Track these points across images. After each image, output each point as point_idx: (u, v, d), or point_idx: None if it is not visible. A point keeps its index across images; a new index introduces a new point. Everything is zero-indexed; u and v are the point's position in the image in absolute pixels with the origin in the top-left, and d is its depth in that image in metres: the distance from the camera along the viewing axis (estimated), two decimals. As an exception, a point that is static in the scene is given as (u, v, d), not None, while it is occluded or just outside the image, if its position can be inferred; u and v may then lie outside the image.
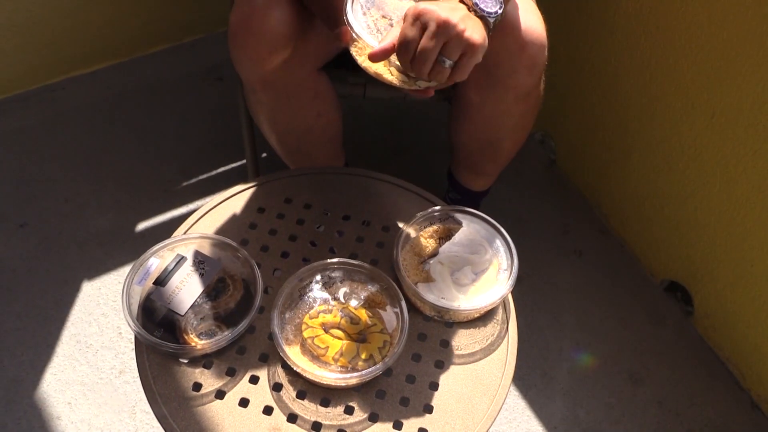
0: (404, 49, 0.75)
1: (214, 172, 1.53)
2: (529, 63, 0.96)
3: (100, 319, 1.26)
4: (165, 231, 1.41)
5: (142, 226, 1.41)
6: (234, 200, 0.95)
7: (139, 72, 1.71)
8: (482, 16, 0.77)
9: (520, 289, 1.37)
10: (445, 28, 0.72)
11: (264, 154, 1.50)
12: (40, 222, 1.39)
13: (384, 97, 1.18)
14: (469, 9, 0.77)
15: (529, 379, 1.25)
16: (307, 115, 1.07)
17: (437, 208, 0.91)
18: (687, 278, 1.36)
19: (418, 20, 0.74)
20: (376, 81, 0.86)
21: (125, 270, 1.33)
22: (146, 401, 0.74)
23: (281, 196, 0.96)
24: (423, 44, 0.73)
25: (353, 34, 0.78)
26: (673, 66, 1.19)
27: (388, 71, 0.81)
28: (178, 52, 1.77)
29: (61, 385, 1.17)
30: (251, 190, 0.96)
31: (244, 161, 1.55)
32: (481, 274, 0.85)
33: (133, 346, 1.21)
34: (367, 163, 1.20)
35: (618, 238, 1.49)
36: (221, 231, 0.90)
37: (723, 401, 1.26)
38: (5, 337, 1.22)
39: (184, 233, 0.88)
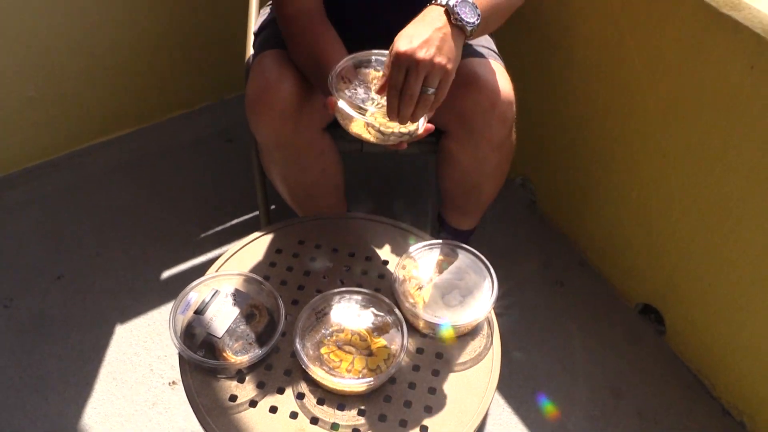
0: (393, 93, 0.89)
1: (228, 224, 1.70)
2: (500, 117, 1.14)
3: (132, 358, 1.40)
4: (187, 278, 1.54)
5: (166, 274, 1.57)
6: (255, 243, 1.11)
7: (157, 137, 1.90)
8: (461, 25, 0.91)
9: (509, 318, 1.52)
10: (424, 66, 0.86)
11: (273, 206, 1.67)
12: (74, 274, 1.55)
13: (380, 152, 1.35)
14: (448, 16, 0.90)
15: (520, 396, 1.39)
16: (314, 170, 1.25)
17: (428, 242, 1.08)
18: (658, 301, 1.51)
19: (401, 65, 0.86)
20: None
21: (153, 314, 1.48)
22: (177, 430, 0.86)
23: (295, 238, 1.12)
24: (408, 85, 0.87)
25: (337, 104, 0.94)
26: (628, 113, 1.38)
27: (366, 132, 0.96)
28: (191, 118, 1.96)
29: (101, 417, 1.31)
30: (270, 235, 1.12)
31: (255, 213, 1.72)
32: (468, 297, 1.01)
33: (163, 381, 1.36)
34: (367, 209, 1.37)
35: (595, 269, 1.64)
36: (246, 269, 1.06)
37: (697, 409, 1.40)
38: (49, 377, 1.36)
39: (216, 271, 1.04)
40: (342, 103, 0.93)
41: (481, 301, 1.00)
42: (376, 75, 1.00)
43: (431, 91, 0.89)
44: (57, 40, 1.63)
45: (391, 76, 0.89)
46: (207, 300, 0.96)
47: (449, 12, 0.91)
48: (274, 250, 1.10)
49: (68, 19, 1.62)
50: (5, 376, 1.36)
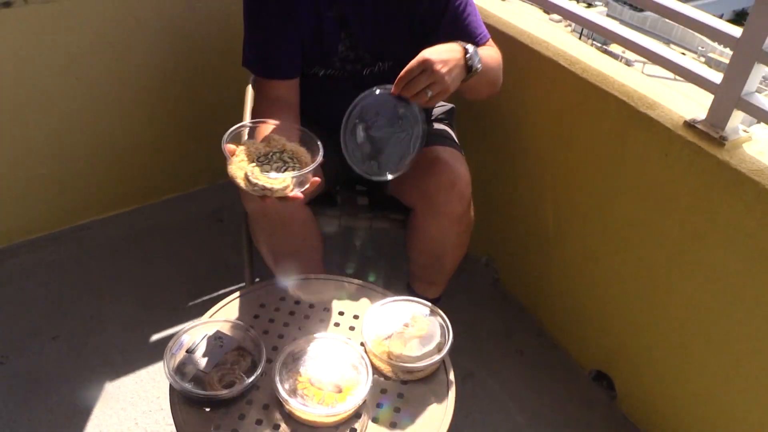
0: (405, 77, 1.13)
1: (214, 294, 1.83)
2: (458, 195, 1.34)
3: (119, 412, 1.49)
4: (174, 341, 1.68)
5: (155, 337, 1.69)
6: (242, 298, 1.26)
7: (153, 215, 2.07)
8: (470, 65, 1.18)
9: (471, 384, 1.64)
10: (436, 75, 1.12)
11: (257, 279, 1.81)
12: (69, 335, 1.66)
13: (354, 226, 1.53)
14: (463, 55, 1.17)
15: (481, 454, 1.49)
16: (296, 238, 1.41)
17: (392, 298, 1.23)
18: (608, 367, 1.65)
19: (421, 65, 1.12)
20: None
21: (141, 372, 1.59)
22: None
23: (277, 295, 1.27)
24: (418, 79, 1.13)
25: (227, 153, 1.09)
26: (573, 199, 1.58)
27: (240, 178, 1.07)
28: (185, 200, 2.14)
29: (87, 467, 1.39)
30: (255, 291, 1.27)
31: (241, 285, 1.86)
32: (426, 345, 1.15)
33: (147, 433, 1.45)
34: (342, 275, 1.52)
35: (553, 339, 1.79)
36: (234, 318, 1.20)
37: (645, 469, 1.50)
38: (39, 427, 1.44)
39: (209, 318, 1.18)
40: (228, 150, 1.09)
41: (437, 347, 1.14)
42: (280, 140, 1.14)
43: (430, 94, 1.14)
44: (69, 125, 1.84)
45: (410, 68, 1.13)
46: (197, 341, 1.09)
47: (466, 52, 1.18)
48: (258, 304, 1.25)
49: (80, 107, 1.83)
50: (-3, 428, 1.45)
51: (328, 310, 1.25)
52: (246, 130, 1.17)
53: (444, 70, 1.13)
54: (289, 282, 1.31)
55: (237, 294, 1.26)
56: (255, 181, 1.05)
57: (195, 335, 1.12)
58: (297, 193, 1.08)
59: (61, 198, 1.94)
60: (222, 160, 2.09)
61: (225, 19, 1.90)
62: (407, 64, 1.15)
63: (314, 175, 1.10)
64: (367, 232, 1.96)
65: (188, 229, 2.03)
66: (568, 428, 1.57)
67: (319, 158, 1.11)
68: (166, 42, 1.86)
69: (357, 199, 1.59)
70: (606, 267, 1.56)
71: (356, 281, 1.32)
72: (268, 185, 1.05)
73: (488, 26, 1.64)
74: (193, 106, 2.02)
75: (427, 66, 1.13)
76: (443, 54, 1.16)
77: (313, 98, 1.41)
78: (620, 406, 1.63)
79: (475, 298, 1.90)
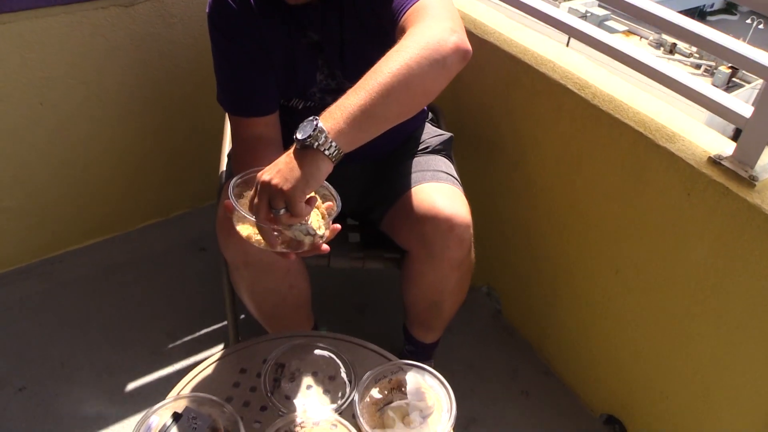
0: (253, 208, 0.93)
1: (197, 334, 1.70)
2: (457, 240, 1.21)
3: (90, 476, 1.37)
4: (153, 390, 1.55)
5: (131, 386, 1.55)
6: (220, 362, 1.13)
7: (130, 245, 1.93)
8: (303, 145, 0.91)
9: (475, 429, 1.52)
10: (265, 188, 0.91)
11: (242, 316, 1.68)
12: (37, 386, 1.53)
13: (346, 267, 1.40)
14: (295, 147, 0.92)
15: None
16: (281, 287, 1.28)
17: (391, 363, 1.10)
18: (620, 411, 1.53)
19: (257, 187, 0.92)
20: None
21: (115, 428, 1.46)
22: None
23: (259, 358, 1.14)
24: (255, 203, 0.92)
25: (234, 207, 0.96)
26: (584, 231, 1.46)
27: (255, 235, 0.97)
28: (165, 226, 2.01)
29: None
30: (234, 354, 1.14)
31: (225, 323, 1.73)
32: (427, 417, 1.03)
33: (120, 501, 1.32)
34: (334, 323, 1.39)
35: (560, 379, 1.67)
36: (210, 389, 1.06)
37: None
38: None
39: (179, 393, 1.05)
40: (238, 207, 0.96)
41: (440, 420, 1.02)
42: None
43: (281, 211, 0.91)
44: (36, 154, 1.69)
45: (252, 195, 0.95)
46: (168, 424, 0.97)
47: (301, 143, 0.92)
48: (238, 369, 1.12)
49: (48, 134, 1.68)
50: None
51: (316, 374, 1.12)
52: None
53: (266, 177, 0.92)
54: (273, 342, 1.18)
55: (214, 359, 1.13)
56: (292, 235, 0.94)
57: (165, 416, 0.98)
58: (322, 244, 0.98)
59: (31, 230, 1.80)
60: (202, 184, 1.95)
61: (204, 40, 1.75)
62: None
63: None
64: (360, 273, 1.83)
65: (168, 260, 1.90)
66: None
67: (339, 203, 1.00)
68: (141, 65, 1.71)
69: (348, 236, 1.46)
70: (619, 308, 1.43)
71: (346, 338, 1.19)
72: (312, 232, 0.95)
73: (488, 44, 1.52)
74: (170, 131, 1.88)
75: (259, 185, 0.93)
76: (274, 165, 0.93)
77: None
78: (634, 453, 1.51)
79: (477, 333, 1.77)
